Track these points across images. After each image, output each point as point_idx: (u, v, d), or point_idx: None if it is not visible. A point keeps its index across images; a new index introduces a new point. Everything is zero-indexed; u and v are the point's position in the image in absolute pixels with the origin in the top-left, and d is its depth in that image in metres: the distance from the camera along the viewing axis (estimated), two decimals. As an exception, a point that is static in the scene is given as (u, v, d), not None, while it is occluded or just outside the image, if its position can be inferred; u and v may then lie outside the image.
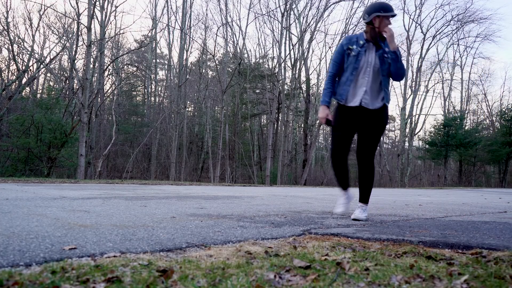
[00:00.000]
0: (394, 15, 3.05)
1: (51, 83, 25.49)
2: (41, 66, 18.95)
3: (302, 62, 23.73)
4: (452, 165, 35.46)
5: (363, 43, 3.07)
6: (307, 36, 23.65)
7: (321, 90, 26.66)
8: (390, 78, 3.20)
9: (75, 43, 18.29)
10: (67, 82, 20.85)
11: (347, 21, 27.84)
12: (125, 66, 25.50)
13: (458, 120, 30.13)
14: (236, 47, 25.43)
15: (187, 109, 27.63)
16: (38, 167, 16.34)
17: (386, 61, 3.05)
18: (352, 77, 3.09)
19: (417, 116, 30.01)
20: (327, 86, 3.17)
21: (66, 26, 21.01)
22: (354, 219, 3.18)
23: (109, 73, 22.50)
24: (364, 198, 3.29)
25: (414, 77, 28.44)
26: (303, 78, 24.32)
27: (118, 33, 22.45)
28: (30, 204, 3.65)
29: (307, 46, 23.78)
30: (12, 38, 17.35)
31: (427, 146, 32.21)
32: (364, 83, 3.09)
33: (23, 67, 18.53)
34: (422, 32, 28.34)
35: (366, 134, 3.18)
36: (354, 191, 3.51)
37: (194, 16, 33.93)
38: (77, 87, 19.57)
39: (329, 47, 32.37)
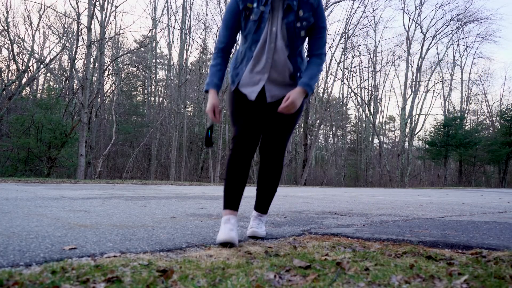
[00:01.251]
0: None
1: (51, 83, 25.51)
2: (41, 66, 18.96)
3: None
4: (452, 165, 35.46)
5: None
6: (307, 36, 23.63)
7: (320, 90, 26.73)
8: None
9: (75, 43, 18.30)
10: (67, 82, 20.86)
11: (347, 21, 27.87)
12: (125, 66, 25.51)
13: (458, 120, 30.15)
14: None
15: (187, 109, 27.63)
16: (38, 167, 16.34)
17: (298, 33, 1.99)
18: (251, 53, 2.02)
19: (417, 116, 30.05)
20: (214, 63, 2.07)
21: (66, 26, 21.02)
22: (250, 236, 2.20)
23: (109, 73, 22.50)
24: (262, 205, 2.26)
25: (414, 77, 28.46)
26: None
27: (118, 33, 22.46)
28: (30, 204, 3.65)
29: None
30: (12, 38, 17.37)
31: (427, 146, 32.22)
32: (267, 67, 2.01)
33: (23, 67, 18.53)
34: (422, 32, 28.34)
35: (272, 122, 2.13)
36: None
37: (194, 16, 34.00)
38: (77, 87, 19.58)
39: (329, 47, 32.42)
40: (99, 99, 20.94)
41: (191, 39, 25.29)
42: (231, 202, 2.06)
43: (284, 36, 1.98)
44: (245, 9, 1.96)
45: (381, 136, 35.02)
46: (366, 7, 26.52)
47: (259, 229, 2.22)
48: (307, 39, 2.08)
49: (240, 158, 2.06)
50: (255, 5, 1.95)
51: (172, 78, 28.69)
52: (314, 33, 2.04)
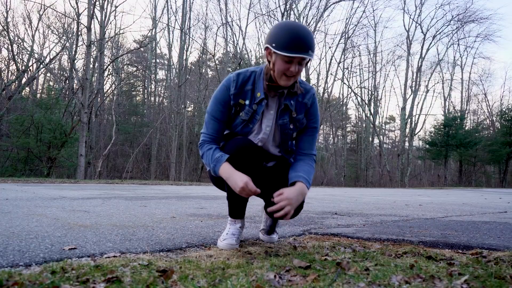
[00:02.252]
0: (303, 57, 1.63)
1: (51, 83, 25.49)
2: (41, 66, 18.95)
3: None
4: (452, 165, 35.46)
5: (261, 98, 1.77)
6: (307, 36, 23.62)
7: (320, 90, 26.72)
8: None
9: (75, 43, 18.29)
10: (67, 82, 20.85)
11: (347, 21, 27.88)
12: (125, 66, 25.50)
13: (458, 120, 30.14)
14: (236, 47, 25.47)
15: (187, 109, 27.62)
16: (38, 167, 16.33)
17: (291, 134, 1.87)
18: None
19: (417, 116, 30.03)
20: (208, 147, 1.79)
21: (66, 26, 21.01)
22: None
23: (109, 73, 22.50)
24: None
25: (414, 77, 28.46)
26: (303, 78, 24.33)
27: (118, 33, 22.46)
28: (30, 204, 3.65)
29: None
30: (11, 38, 17.35)
31: (427, 146, 32.22)
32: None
33: (23, 67, 18.52)
34: (422, 32, 28.34)
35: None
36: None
37: (194, 16, 33.99)
38: (77, 87, 19.57)
39: (329, 47, 32.45)
40: (99, 99, 20.94)
41: (191, 39, 25.29)
42: (236, 212, 1.90)
43: (275, 137, 1.85)
44: (236, 105, 1.79)
45: (381, 136, 35.02)
46: (366, 7, 26.54)
47: (273, 234, 2.10)
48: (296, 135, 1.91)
49: None
50: (247, 102, 1.78)
51: (172, 78, 28.69)
52: (305, 132, 1.89)
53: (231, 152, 1.72)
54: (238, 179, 1.62)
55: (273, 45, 1.64)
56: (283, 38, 1.61)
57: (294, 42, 1.60)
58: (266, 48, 1.70)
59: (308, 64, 1.72)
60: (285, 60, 1.64)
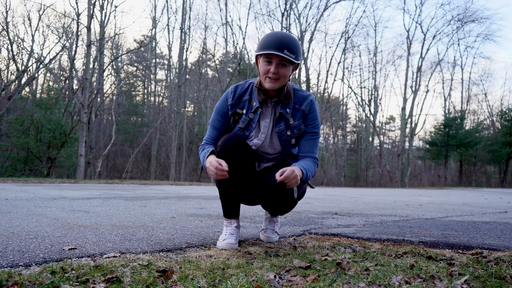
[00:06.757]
0: (279, 57, 1.73)
1: (51, 83, 25.48)
2: (41, 66, 18.94)
3: (302, 62, 23.74)
4: (453, 165, 35.44)
5: (257, 107, 1.88)
6: (307, 36, 23.68)
7: (321, 90, 26.73)
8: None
9: (74, 43, 18.30)
10: (67, 82, 20.84)
11: (347, 21, 27.89)
12: (125, 66, 25.50)
13: (459, 120, 30.12)
14: (236, 47, 25.47)
15: (187, 109, 27.61)
16: (37, 167, 16.33)
17: (289, 140, 1.91)
18: None
19: (417, 116, 30.03)
20: (203, 148, 1.92)
21: (65, 26, 21.00)
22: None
23: (109, 73, 22.50)
24: (272, 212, 2.06)
25: (414, 77, 28.46)
26: (303, 78, 24.35)
27: (118, 33, 22.46)
28: (30, 204, 3.65)
29: (307, 46, 23.81)
30: (11, 38, 17.34)
31: (427, 146, 32.19)
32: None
33: (23, 67, 18.51)
34: (422, 32, 28.35)
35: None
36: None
37: (194, 16, 33.96)
38: (76, 87, 19.56)
39: (329, 47, 32.42)
40: (98, 99, 20.94)
41: (191, 39, 25.29)
42: (230, 212, 1.97)
43: (273, 144, 1.92)
44: (233, 115, 1.92)
45: (381, 136, 35.02)
46: (366, 6, 26.52)
47: (273, 234, 2.13)
48: (297, 141, 1.95)
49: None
50: (244, 111, 1.90)
51: (172, 78, 28.69)
52: (304, 136, 1.93)
53: (218, 146, 1.85)
54: (208, 160, 1.74)
55: (256, 50, 1.83)
56: (262, 42, 1.78)
57: (269, 42, 1.74)
58: (256, 57, 1.85)
59: (296, 70, 1.76)
60: (265, 62, 1.78)
